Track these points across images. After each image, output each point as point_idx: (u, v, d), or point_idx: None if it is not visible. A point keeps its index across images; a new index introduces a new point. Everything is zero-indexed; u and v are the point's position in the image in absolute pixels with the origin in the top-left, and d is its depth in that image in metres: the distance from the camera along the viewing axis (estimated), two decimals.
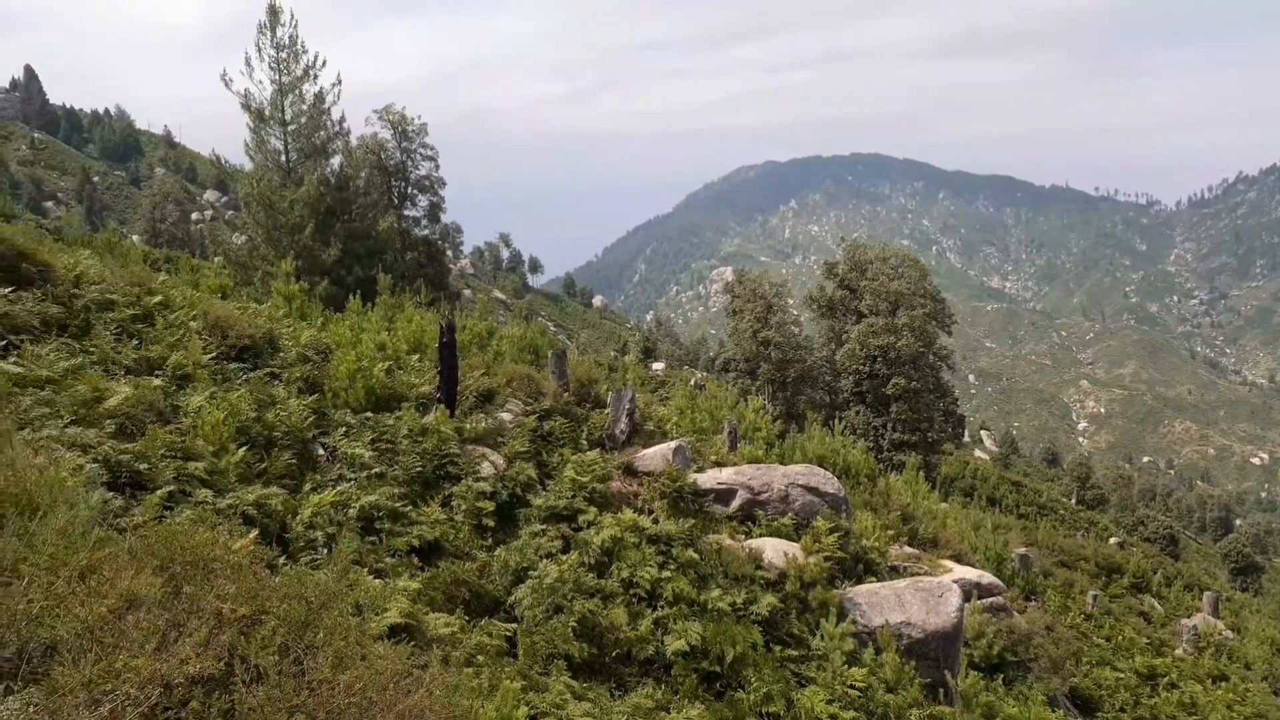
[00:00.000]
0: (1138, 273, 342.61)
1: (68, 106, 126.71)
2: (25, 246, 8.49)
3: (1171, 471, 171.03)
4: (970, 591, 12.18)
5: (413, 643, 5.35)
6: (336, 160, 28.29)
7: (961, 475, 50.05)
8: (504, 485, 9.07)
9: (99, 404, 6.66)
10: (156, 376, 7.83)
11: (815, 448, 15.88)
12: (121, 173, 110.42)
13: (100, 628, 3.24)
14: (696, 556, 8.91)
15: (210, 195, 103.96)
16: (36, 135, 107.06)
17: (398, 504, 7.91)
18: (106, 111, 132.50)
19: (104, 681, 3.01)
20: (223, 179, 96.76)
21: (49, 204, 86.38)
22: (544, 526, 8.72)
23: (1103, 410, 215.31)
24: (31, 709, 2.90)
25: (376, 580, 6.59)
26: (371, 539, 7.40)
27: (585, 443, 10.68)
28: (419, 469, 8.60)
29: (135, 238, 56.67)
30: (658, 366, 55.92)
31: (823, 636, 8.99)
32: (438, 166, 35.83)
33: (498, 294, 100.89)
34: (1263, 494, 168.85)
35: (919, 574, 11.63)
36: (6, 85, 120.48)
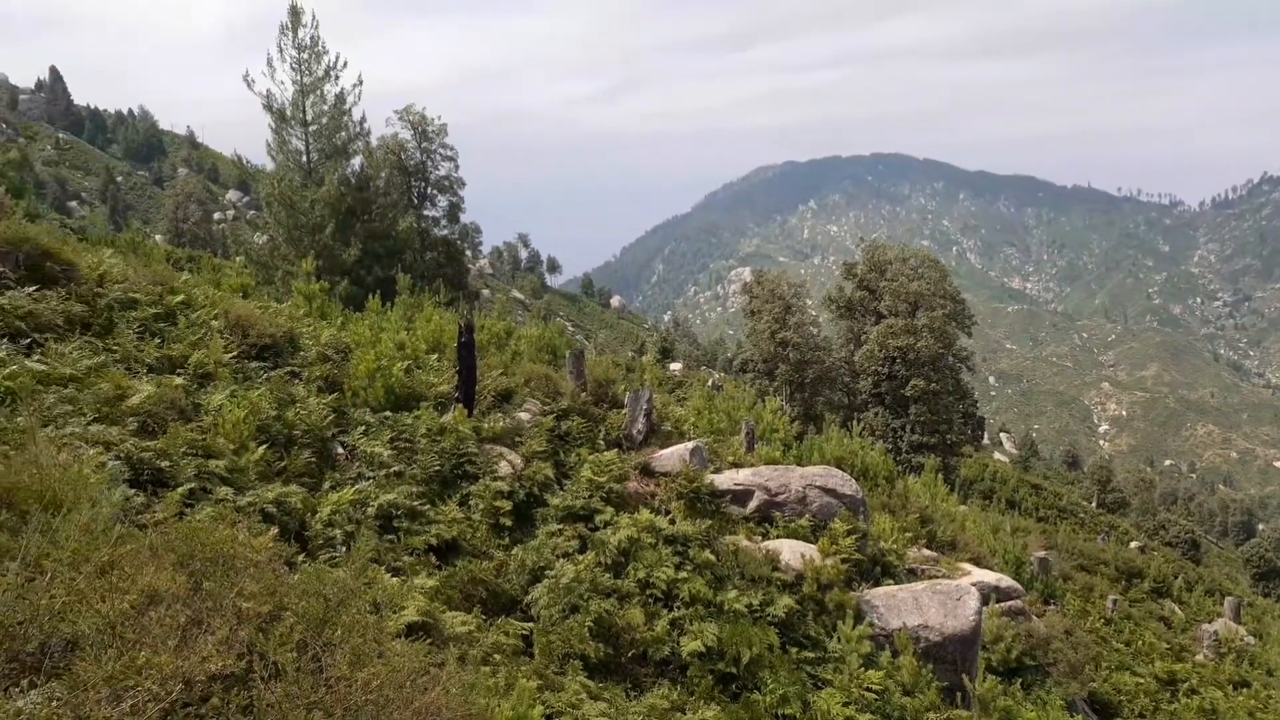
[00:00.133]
0: (1161, 274, 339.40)
1: (92, 107, 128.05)
2: (50, 246, 8.58)
3: (1193, 475, 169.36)
4: (988, 595, 12.10)
5: (430, 641, 5.37)
6: (357, 161, 28.52)
7: (981, 478, 49.75)
8: (521, 485, 9.09)
9: (121, 402, 6.73)
10: (178, 375, 7.90)
11: (833, 449, 15.82)
12: (145, 173, 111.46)
13: (122, 623, 3.27)
14: (713, 557, 8.89)
15: (232, 195, 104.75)
16: (61, 136, 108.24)
17: (416, 503, 7.95)
18: (130, 112, 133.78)
19: (126, 677, 3.04)
20: (244, 179, 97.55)
21: (73, 204, 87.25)
22: (561, 526, 8.74)
23: (1124, 413, 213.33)
24: (54, 703, 2.93)
25: (394, 578, 6.63)
26: (389, 537, 7.44)
27: (602, 443, 10.68)
28: (437, 468, 8.63)
29: (158, 237, 57.17)
30: (675, 367, 55.88)
31: (839, 639, 8.95)
32: (457, 167, 36.04)
33: (516, 294, 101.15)
34: None
35: (937, 577, 11.56)
36: (32, 86, 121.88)
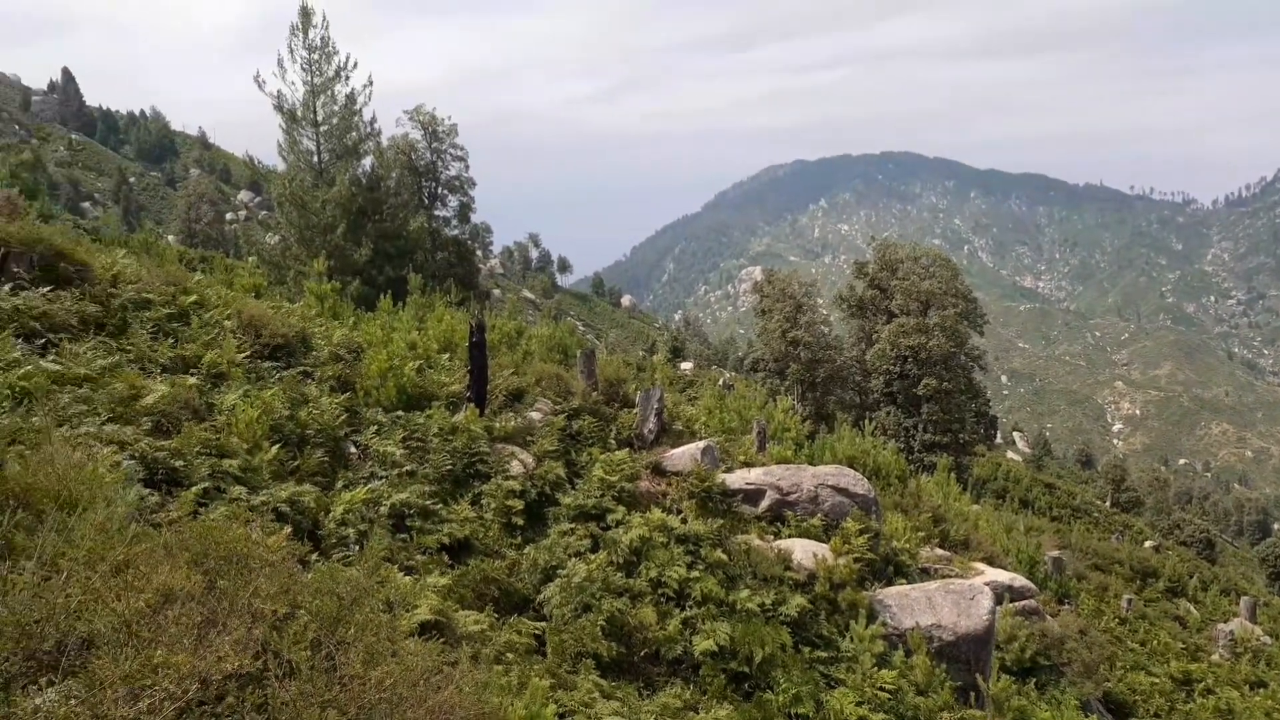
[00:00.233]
0: (1174, 272, 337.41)
1: (104, 108, 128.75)
2: (63, 246, 8.63)
3: (1208, 474, 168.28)
4: (1002, 594, 12.04)
5: (442, 640, 5.38)
6: (368, 161, 28.59)
7: (994, 477, 49.57)
8: (533, 484, 9.09)
9: (136, 401, 6.76)
10: (192, 375, 7.93)
11: (845, 448, 15.77)
12: (157, 174, 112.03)
13: (137, 622, 3.28)
14: (725, 557, 8.88)
15: (244, 196, 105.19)
16: (74, 136, 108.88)
17: (428, 502, 7.96)
18: (142, 113, 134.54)
19: (142, 676, 3.05)
20: (256, 180, 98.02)
21: (86, 204, 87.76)
22: (573, 525, 8.74)
23: (1138, 412, 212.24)
24: (71, 701, 2.94)
25: (407, 577, 6.64)
26: (402, 536, 7.46)
27: (614, 442, 10.68)
28: (449, 467, 8.64)
29: (171, 238, 57.47)
30: (686, 366, 55.86)
31: (852, 638, 8.93)
32: (468, 167, 36.05)
33: (527, 294, 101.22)
34: None
35: (950, 576, 11.52)
36: (45, 88, 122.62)
